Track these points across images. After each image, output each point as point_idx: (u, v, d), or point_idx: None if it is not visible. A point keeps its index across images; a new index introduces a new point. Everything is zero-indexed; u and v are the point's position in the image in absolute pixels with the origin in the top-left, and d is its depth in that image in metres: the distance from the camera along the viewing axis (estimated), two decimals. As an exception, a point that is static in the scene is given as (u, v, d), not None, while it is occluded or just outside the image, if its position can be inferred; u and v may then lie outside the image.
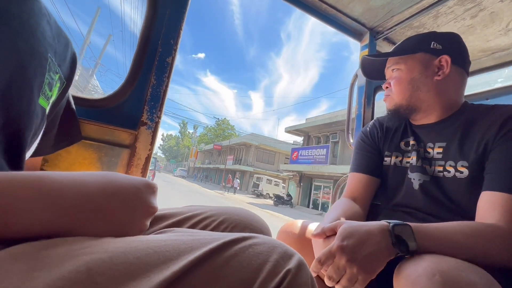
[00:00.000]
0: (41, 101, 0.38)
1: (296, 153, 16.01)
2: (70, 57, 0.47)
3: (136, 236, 0.32)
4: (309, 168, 14.31)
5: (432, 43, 0.69)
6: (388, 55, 0.76)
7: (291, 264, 0.27)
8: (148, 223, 0.36)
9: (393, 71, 0.74)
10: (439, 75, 0.68)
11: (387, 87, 0.76)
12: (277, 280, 0.26)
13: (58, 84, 0.43)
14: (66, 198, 0.29)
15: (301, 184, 15.95)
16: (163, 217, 0.46)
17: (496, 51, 1.31)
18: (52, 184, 0.29)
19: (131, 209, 0.33)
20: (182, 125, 51.61)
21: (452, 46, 0.70)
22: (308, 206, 15.10)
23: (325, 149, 13.58)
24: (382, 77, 0.83)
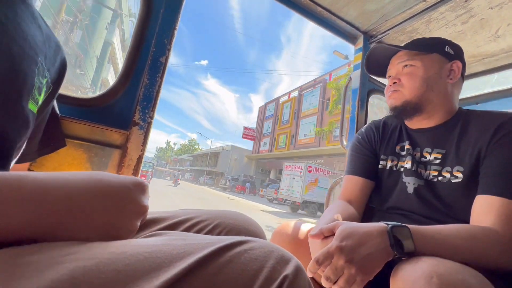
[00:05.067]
0: (31, 105, 0.37)
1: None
2: (59, 61, 0.46)
3: (126, 240, 0.30)
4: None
5: (446, 47, 0.71)
6: (406, 48, 0.73)
7: (288, 270, 0.27)
8: (138, 223, 0.34)
9: (405, 67, 0.72)
10: (451, 79, 0.70)
11: (394, 83, 0.73)
12: (274, 287, 0.25)
13: (45, 89, 0.42)
14: (48, 199, 0.27)
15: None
16: (155, 221, 0.44)
17: (486, 56, 1.34)
18: (33, 184, 0.27)
19: (120, 209, 0.31)
20: (167, 143, 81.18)
21: (461, 54, 0.72)
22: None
23: (188, 162, 46.48)
24: (382, 74, 0.83)
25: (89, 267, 0.23)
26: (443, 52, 0.70)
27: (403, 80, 0.71)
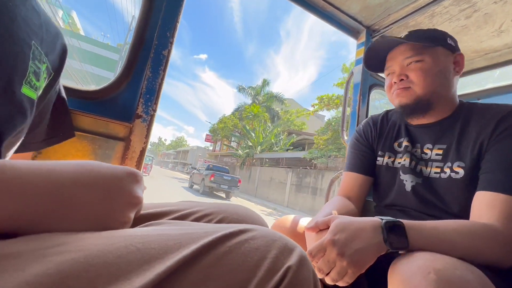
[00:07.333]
0: (26, 90, 0.35)
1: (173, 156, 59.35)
2: (60, 48, 0.44)
3: (120, 230, 0.29)
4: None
5: (448, 39, 0.69)
6: (412, 40, 0.67)
7: (292, 260, 0.25)
8: (132, 215, 0.32)
9: (414, 63, 0.68)
10: (457, 71, 0.69)
11: (402, 79, 0.69)
12: (277, 279, 0.24)
13: (45, 75, 0.40)
14: (30, 187, 0.25)
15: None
16: (159, 215, 0.43)
17: (489, 52, 1.33)
18: (13, 171, 0.25)
19: (110, 200, 0.30)
20: (159, 139, 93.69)
21: (458, 46, 0.71)
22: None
23: (172, 156, 56.03)
24: (381, 70, 0.79)
25: (77, 259, 0.21)
26: (446, 44, 0.69)
27: (412, 76, 0.68)
